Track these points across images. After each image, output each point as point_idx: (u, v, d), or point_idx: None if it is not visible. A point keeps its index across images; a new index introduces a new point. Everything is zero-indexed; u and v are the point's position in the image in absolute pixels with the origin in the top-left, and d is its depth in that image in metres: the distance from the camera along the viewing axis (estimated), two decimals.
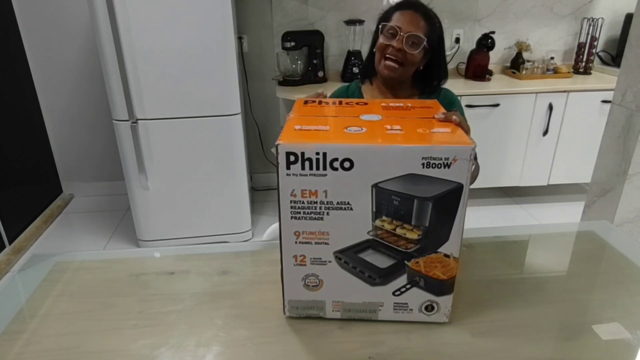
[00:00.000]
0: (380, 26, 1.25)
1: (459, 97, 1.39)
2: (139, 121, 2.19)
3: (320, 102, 0.97)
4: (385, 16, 1.26)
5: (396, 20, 1.22)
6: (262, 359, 0.79)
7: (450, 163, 0.71)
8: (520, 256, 1.13)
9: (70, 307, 0.92)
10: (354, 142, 0.73)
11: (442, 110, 0.91)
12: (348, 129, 0.78)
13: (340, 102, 0.98)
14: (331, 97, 1.37)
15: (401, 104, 0.95)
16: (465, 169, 0.72)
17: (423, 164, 0.71)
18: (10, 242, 2.47)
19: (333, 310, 0.85)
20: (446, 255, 0.78)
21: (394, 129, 0.78)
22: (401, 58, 1.22)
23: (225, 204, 2.44)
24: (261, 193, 3.14)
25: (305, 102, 0.97)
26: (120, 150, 2.26)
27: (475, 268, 1.02)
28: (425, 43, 1.20)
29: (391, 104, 0.95)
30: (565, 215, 2.76)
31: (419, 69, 1.28)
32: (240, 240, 2.54)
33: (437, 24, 1.25)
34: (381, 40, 1.23)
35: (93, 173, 3.13)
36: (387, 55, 1.23)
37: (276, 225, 1.42)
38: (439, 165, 0.71)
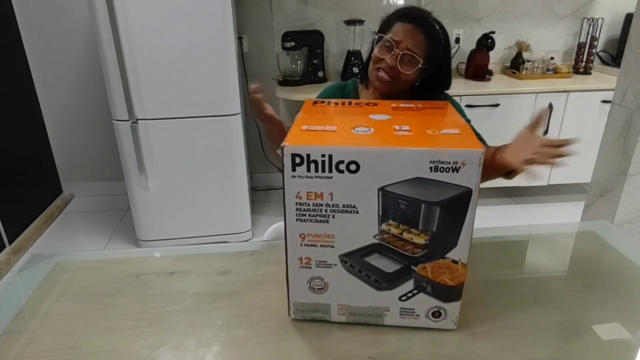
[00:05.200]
0: (377, 36, 1.15)
1: (457, 99, 1.34)
2: (139, 121, 2.19)
3: (329, 102, 0.97)
4: (386, 24, 1.16)
5: (395, 32, 1.11)
6: (262, 359, 0.79)
7: (459, 167, 0.70)
8: (520, 256, 1.13)
9: (70, 307, 0.92)
10: (361, 144, 0.72)
11: (455, 112, 0.91)
12: (355, 129, 0.78)
13: (350, 103, 0.98)
14: (322, 94, 1.32)
15: (412, 105, 0.94)
16: (475, 173, 0.70)
17: (431, 167, 0.70)
18: (10, 242, 2.47)
19: (338, 314, 0.84)
20: (454, 261, 0.77)
21: (403, 130, 0.77)
22: (393, 75, 1.13)
23: (225, 204, 2.43)
24: (261, 193, 3.14)
25: (315, 103, 0.97)
26: (120, 150, 2.26)
27: (475, 268, 1.02)
28: (420, 65, 1.11)
29: (401, 105, 0.94)
30: (565, 215, 2.76)
31: (414, 84, 1.20)
32: (240, 240, 2.54)
33: (440, 42, 1.13)
34: (376, 51, 1.14)
35: (93, 173, 3.13)
36: (380, 68, 1.14)
37: (276, 225, 1.42)
38: (448, 169, 0.70)
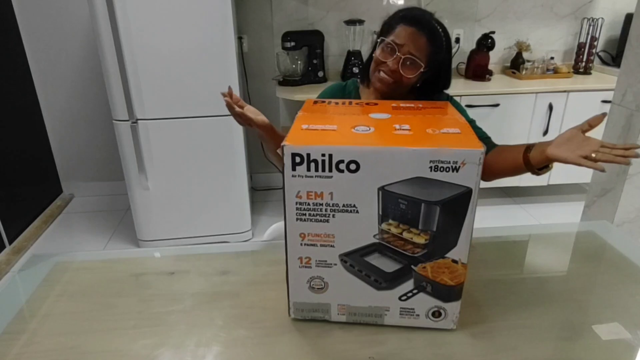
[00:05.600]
0: (379, 39, 1.15)
1: (457, 98, 1.33)
2: (139, 121, 2.19)
3: (329, 102, 0.97)
4: (389, 25, 1.15)
5: (397, 35, 1.10)
6: (262, 359, 0.79)
7: (459, 167, 0.70)
8: (521, 256, 1.13)
9: (70, 307, 0.92)
10: (361, 143, 0.72)
11: (455, 111, 0.91)
12: (355, 128, 0.78)
13: (350, 102, 0.98)
14: (323, 94, 1.31)
15: (412, 105, 0.94)
16: (475, 172, 0.70)
17: (431, 167, 0.70)
18: (10, 242, 2.47)
19: (339, 314, 0.84)
20: (454, 261, 0.77)
21: (403, 129, 0.77)
22: (395, 78, 1.13)
23: (225, 204, 2.43)
24: (261, 193, 3.14)
25: (315, 102, 0.97)
26: (120, 150, 2.26)
27: (475, 268, 1.02)
28: (422, 69, 1.11)
29: (402, 104, 0.94)
30: (565, 215, 2.76)
31: (415, 85, 1.20)
32: (240, 240, 2.54)
33: (442, 44, 1.13)
34: (377, 54, 1.14)
35: (93, 173, 3.13)
36: (381, 70, 1.14)
37: (276, 225, 1.43)
38: (448, 169, 0.70)
